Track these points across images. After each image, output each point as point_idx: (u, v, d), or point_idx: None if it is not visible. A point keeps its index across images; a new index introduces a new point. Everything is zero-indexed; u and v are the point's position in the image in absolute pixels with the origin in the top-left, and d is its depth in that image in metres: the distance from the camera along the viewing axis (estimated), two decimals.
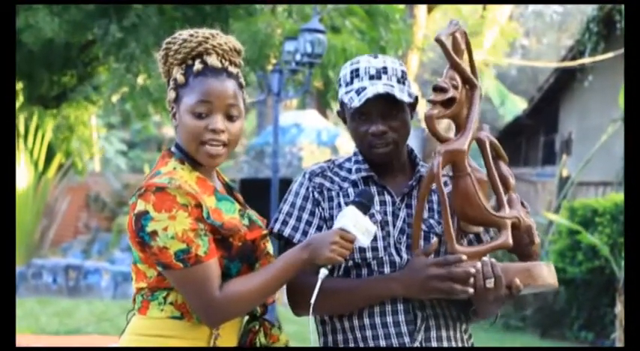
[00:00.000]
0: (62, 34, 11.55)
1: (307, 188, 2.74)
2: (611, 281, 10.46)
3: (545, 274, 2.57)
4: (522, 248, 2.65)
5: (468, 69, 2.63)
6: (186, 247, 2.40)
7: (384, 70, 2.69)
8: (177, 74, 2.55)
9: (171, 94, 2.57)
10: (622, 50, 13.89)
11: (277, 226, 2.72)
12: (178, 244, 2.40)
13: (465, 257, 2.54)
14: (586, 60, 16.19)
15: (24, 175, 16.70)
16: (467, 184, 2.58)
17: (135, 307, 2.55)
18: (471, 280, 2.51)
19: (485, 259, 2.54)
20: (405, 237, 2.68)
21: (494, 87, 22.12)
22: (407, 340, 2.64)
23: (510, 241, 2.58)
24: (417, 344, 2.64)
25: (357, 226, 2.50)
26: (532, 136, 21.57)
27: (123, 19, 11.29)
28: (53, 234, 18.29)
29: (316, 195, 2.72)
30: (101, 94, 14.99)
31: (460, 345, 2.72)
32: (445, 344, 2.67)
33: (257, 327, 2.58)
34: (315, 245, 2.49)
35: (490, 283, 2.50)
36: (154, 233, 2.40)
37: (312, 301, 2.51)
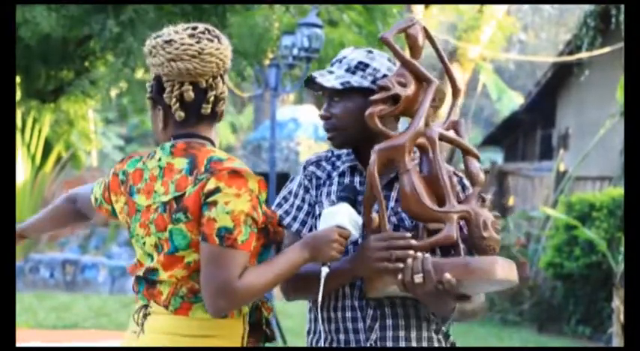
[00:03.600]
0: (59, 29, 11.52)
1: (301, 176, 2.84)
2: (609, 276, 10.47)
3: (488, 268, 2.48)
4: (474, 242, 2.59)
5: (420, 66, 2.63)
6: (232, 226, 2.47)
7: (340, 60, 2.78)
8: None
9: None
10: (620, 45, 13.89)
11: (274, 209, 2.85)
12: (227, 221, 2.47)
13: (408, 234, 2.55)
14: (583, 54, 16.18)
15: (21, 170, 16.70)
16: (406, 182, 2.57)
17: (169, 308, 2.58)
18: (399, 275, 2.51)
19: (418, 254, 2.52)
20: None
21: (492, 81, 22.13)
22: (362, 336, 2.68)
23: (454, 235, 2.54)
24: (370, 343, 2.67)
25: (351, 221, 2.58)
26: (529, 131, 21.58)
27: (120, 14, 11.27)
28: None
29: (306, 182, 2.82)
30: (98, 88, 14.98)
31: (425, 345, 2.70)
32: (402, 344, 2.67)
33: (259, 302, 2.66)
34: (317, 245, 2.56)
35: (418, 278, 2.49)
36: (214, 203, 2.48)
37: (320, 299, 2.58)
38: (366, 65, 2.75)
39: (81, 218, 3.00)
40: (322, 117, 2.77)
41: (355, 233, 2.59)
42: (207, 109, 2.62)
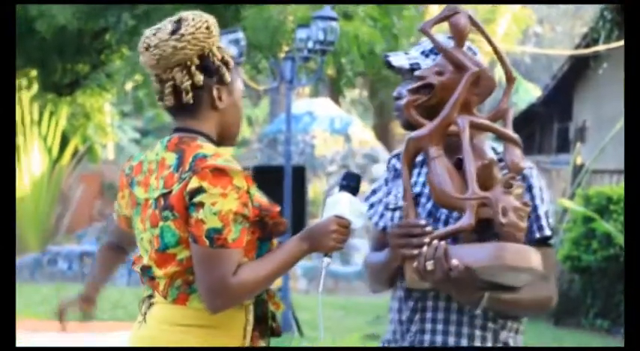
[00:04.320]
0: (75, 22, 11.57)
1: (386, 169, 2.90)
2: None
3: (496, 254, 2.42)
4: (496, 228, 2.52)
5: (460, 54, 2.60)
6: (221, 227, 2.43)
7: (420, 43, 2.82)
8: (229, 56, 2.59)
9: (228, 77, 2.60)
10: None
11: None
12: (215, 222, 2.43)
13: (423, 221, 2.56)
14: (600, 47, 16.11)
15: (38, 163, 16.78)
16: (431, 170, 2.57)
17: (168, 298, 2.57)
18: (415, 263, 2.50)
19: (434, 241, 2.50)
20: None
21: None
22: (404, 327, 2.71)
23: (472, 222, 2.50)
24: (409, 335, 2.68)
25: (352, 211, 2.57)
26: (546, 124, 21.52)
27: (135, 7, 11.30)
28: (68, 221, 18.35)
29: (387, 175, 2.87)
30: (114, 81, 15.02)
31: (465, 342, 2.65)
32: (439, 338, 2.66)
33: (265, 296, 2.63)
34: (315, 236, 2.55)
35: (430, 265, 2.47)
36: (201, 204, 2.44)
37: (320, 289, 2.62)
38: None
39: (124, 254, 3.02)
40: (394, 97, 2.80)
41: (357, 222, 2.58)
42: (167, 100, 2.57)
